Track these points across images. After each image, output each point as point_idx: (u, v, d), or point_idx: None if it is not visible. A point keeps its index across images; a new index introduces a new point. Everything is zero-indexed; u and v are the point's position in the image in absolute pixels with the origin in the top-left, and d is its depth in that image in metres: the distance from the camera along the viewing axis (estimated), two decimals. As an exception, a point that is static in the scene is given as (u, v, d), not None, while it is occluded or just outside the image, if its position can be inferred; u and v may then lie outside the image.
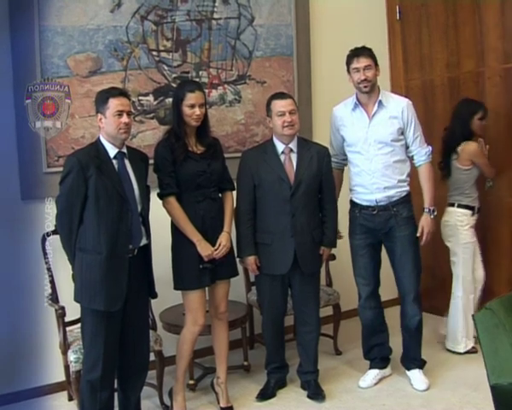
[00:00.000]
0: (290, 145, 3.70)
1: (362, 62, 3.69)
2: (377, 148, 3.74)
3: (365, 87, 3.71)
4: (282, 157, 3.70)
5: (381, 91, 3.80)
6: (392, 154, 3.75)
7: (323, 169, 3.73)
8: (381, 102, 3.75)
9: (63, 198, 3.10)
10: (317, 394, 3.81)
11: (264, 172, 3.67)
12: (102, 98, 3.16)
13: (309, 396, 3.83)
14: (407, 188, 3.83)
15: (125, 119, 3.14)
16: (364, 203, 3.82)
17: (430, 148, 3.87)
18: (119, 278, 3.12)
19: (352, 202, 3.91)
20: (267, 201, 3.67)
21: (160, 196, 3.46)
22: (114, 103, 3.13)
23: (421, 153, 3.82)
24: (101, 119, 3.16)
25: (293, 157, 3.70)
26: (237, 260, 3.71)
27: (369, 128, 3.76)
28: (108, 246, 3.07)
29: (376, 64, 3.75)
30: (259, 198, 3.69)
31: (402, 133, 3.78)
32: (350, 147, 3.85)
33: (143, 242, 3.26)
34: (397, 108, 3.76)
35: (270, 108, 3.69)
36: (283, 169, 3.67)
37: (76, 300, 3.19)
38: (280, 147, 3.70)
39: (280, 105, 3.64)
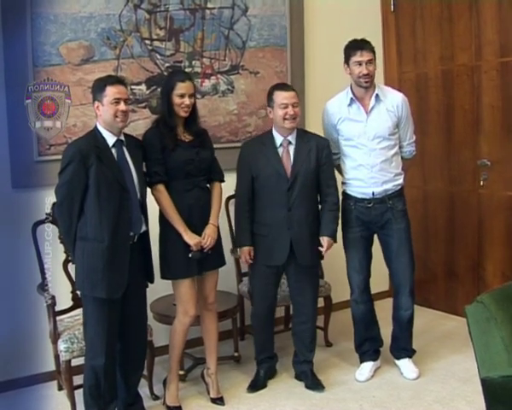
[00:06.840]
0: (289, 138, 3.66)
1: (365, 56, 3.65)
2: (376, 142, 3.72)
3: (366, 82, 3.68)
4: (280, 150, 3.67)
5: (376, 85, 3.78)
6: (390, 147, 3.75)
7: (322, 161, 3.68)
8: (377, 95, 3.73)
9: (64, 188, 3.09)
10: (315, 384, 3.80)
11: (261, 164, 3.65)
12: (99, 86, 3.16)
13: (307, 387, 3.82)
14: (402, 182, 3.83)
15: (122, 106, 3.16)
16: (360, 196, 3.79)
17: (414, 149, 3.92)
18: (121, 266, 3.15)
19: (346, 195, 3.87)
20: (264, 193, 3.65)
21: (149, 183, 3.44)
22: (112, 91, 3.13)
23: (405, 150, 3.87)
24: (98, 106, 3.15)
25: (291, 150, 3.67)
26: (229, 251, 3.69)
27: (367, 123, 3.73)
28: (110, 234, 3.09)
29: (375, 59, 3.73)
30: (257, 190, 3.67)
31: (397, 126, 3.78)
32: (347, 141, 3.80)
33: (143, 228, 3.29)
34: (392, 103, 3.75)
35: (273, 99, 3.63)
36: (281, 163, 3.64)
37: (78, 288, 3.31)
38: (278, 139, 3.67)
39: (283, 97, 3.59)
